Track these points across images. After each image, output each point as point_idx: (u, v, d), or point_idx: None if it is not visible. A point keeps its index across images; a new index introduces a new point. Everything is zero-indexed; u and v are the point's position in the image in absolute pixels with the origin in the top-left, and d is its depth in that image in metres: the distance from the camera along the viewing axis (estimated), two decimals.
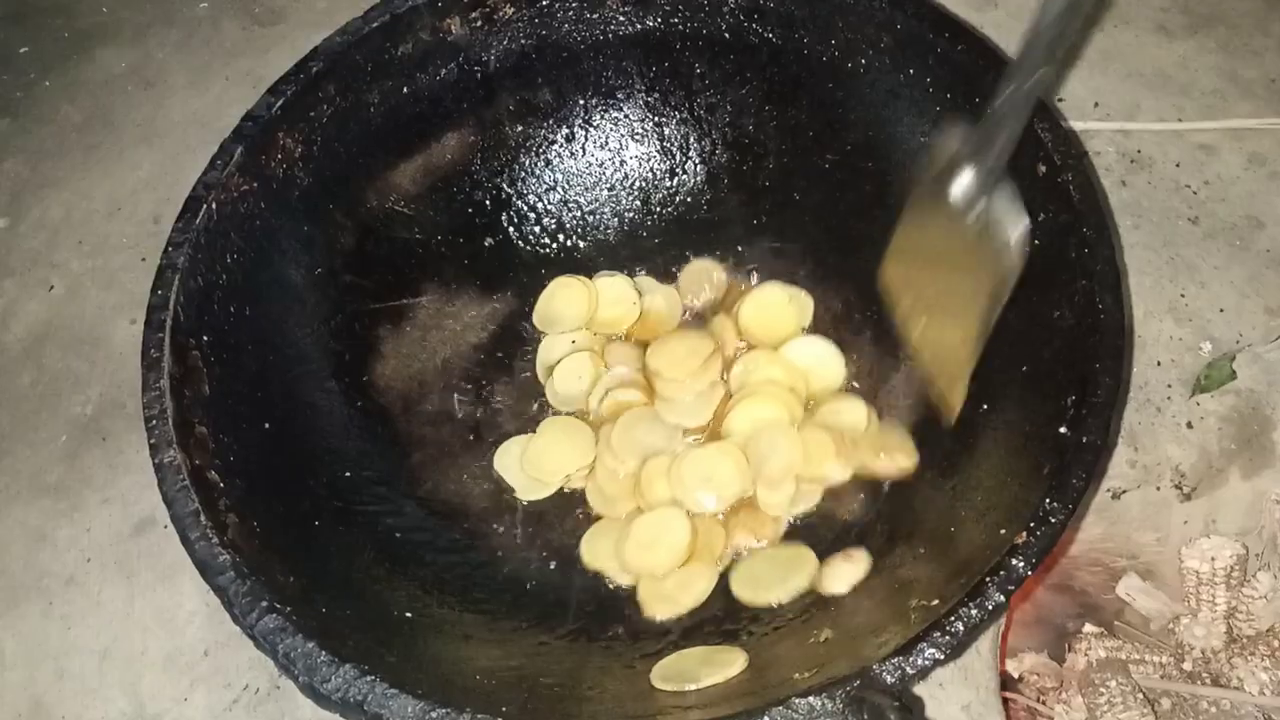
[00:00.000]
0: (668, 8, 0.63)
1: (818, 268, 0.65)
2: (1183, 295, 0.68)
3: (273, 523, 0.47)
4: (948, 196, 0.47)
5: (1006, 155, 0.46)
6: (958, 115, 0.56)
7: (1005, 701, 0.57)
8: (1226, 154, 0.75)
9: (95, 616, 0.62)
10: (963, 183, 0.47)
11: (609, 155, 0.68)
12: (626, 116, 0.67)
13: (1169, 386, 0.65)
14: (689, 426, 0.60)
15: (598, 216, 0.69)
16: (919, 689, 0.55)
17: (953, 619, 0.40)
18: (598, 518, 0.59)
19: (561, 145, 0.67)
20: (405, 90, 0.61)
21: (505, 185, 0.67)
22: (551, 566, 0.57)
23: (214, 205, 0.52)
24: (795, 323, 0.63)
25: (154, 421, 0.46)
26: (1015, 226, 0.46)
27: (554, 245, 0.68)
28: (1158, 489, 0.63)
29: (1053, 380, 0.48)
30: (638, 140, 0.68)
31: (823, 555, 0.55)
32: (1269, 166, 0.74)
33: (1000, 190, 0.47)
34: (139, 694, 0.59)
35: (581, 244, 0.68)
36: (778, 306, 0.64)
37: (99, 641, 0.61)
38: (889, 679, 0.39)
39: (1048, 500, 0.43)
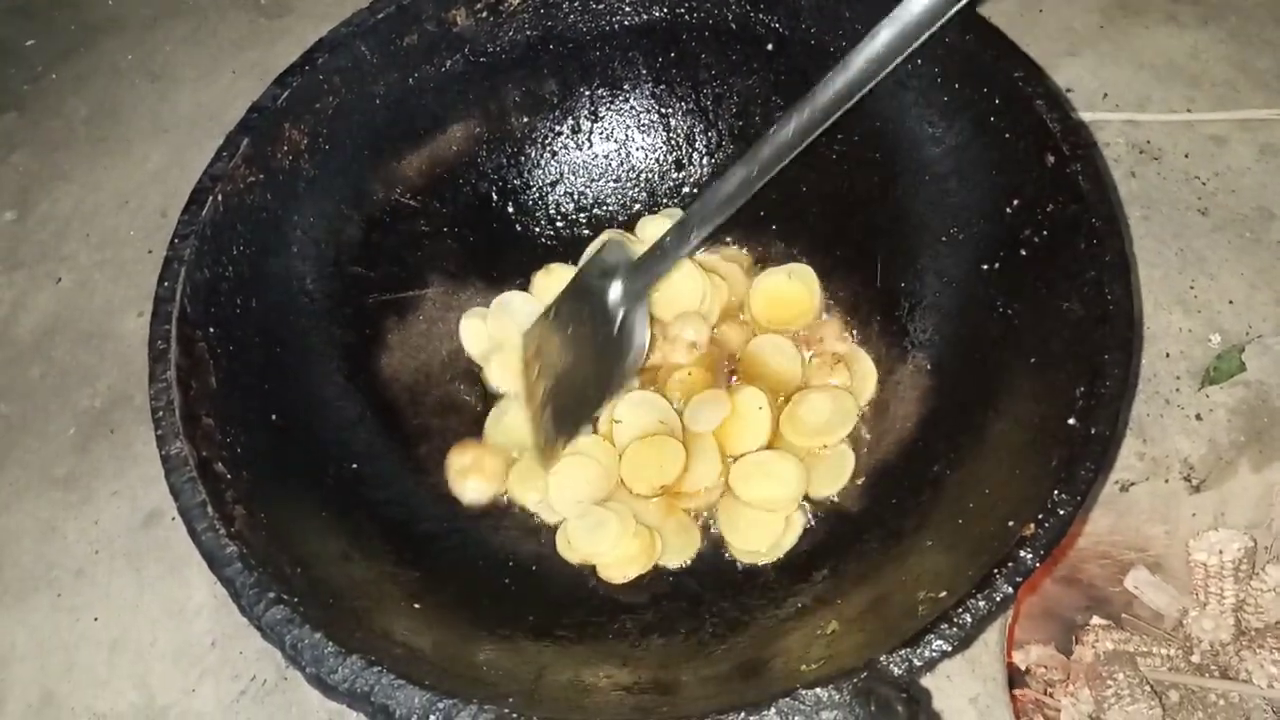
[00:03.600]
0: None
1: (825, 258, 0.65)
2: (1192, 287, 0.68)
3: (280, 514, 0.47)
4: (605, 295, 0.57)
5: (648, 287, 0.57)
6: (964, 107, 0.56)
7: (1013, 695, 0.56)
8: (1237, 145, 0.74)
9: (104, 608, 0.62)
10: (615, 291, 0.57)
11: (615, 147, 0.68)
12: (632, 108, 0.67)
13: (1178, 378, 0.64)
14: None
15: (604, 208, 0.69)
16: (926, 680, 0.55)
17: (960, 611, 0.40)
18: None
19: (567, 137, 0.67)
20: (411, 82, 0.61)
21: (511, 177, 0.67)
22: (557, 557, 0.57)
23: (220, 197, 0.52)
24: (808, 298, 0.64)
25: (161, 413, 0.46)
26: (639, 339, 0.57)
27: (560, 237, 0.68)
28: (1166, 481, 0.63)
29: (1061, 372, 0.48)
30: (644, 131, 0.68)
31: (832, 552, 0.55)
32: None
33: (640, 307, 0.57)
34: (148, 685, 0.59)
35: (587, 235, 0.68)
36: (782, 290, 0.64)
37: (108, 633, 0.61)
38: (896, 670, 0.39)
39: (1056, 492, 0.42)
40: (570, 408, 0.59)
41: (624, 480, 0.58)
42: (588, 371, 0.58)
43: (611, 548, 0.56)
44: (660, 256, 0.55)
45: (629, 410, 0.60)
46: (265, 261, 0.55)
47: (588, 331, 0.58)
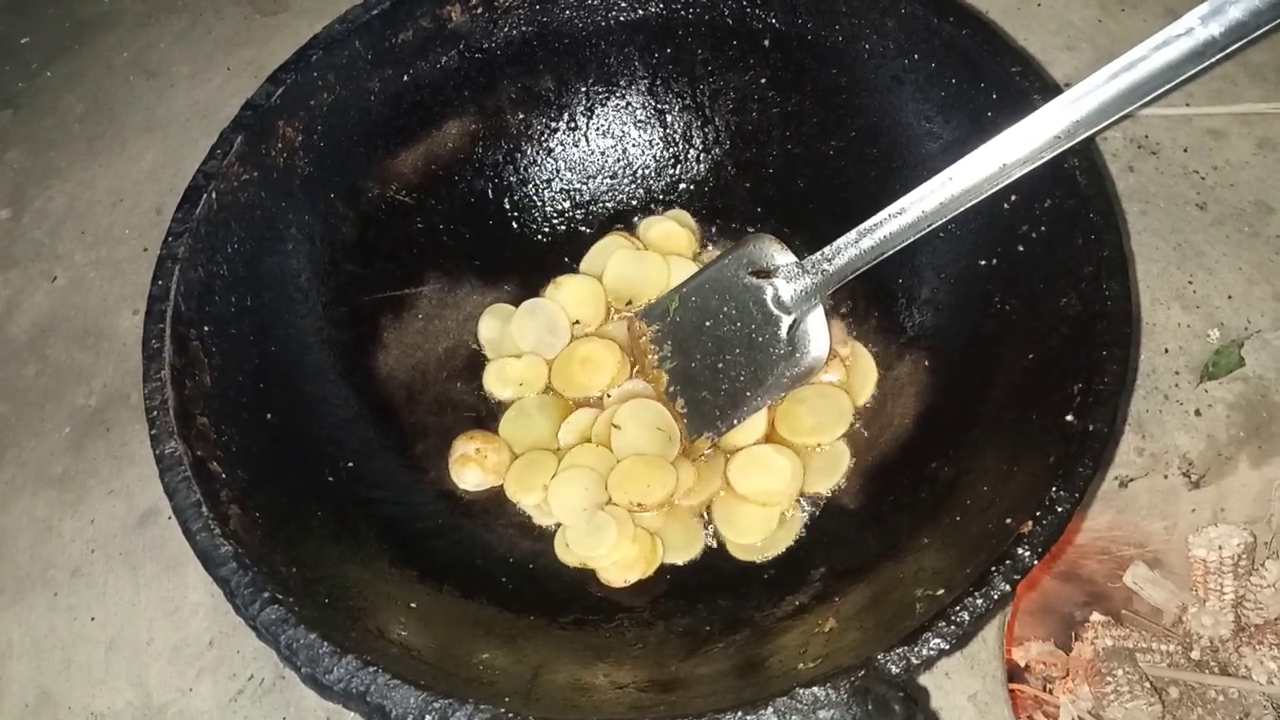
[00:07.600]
0: None
1: None
2: (1190, 282, 0.67)
3: (275, 514, 0.47)
4: (762, 294, 0.57)
5: (823, 292, 0.56)
6: (961, 102, 0.56)
7: (1012, 691, 0.56)
8: (1235, 139, 0.74)
9: (101, 607, 0.62)
10: (783, 292, 0.56)
11: (611, 143, 0.68)
12: (629, 104, 0.67)
13: (1177, 374, 0.64)
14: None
15: (600, 205, 0.68)
16: (925, 679, 0.55)
17: (959, 609, 0.40)
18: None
19: (563, 133, 0.67)
20: (406, 78, 0.61)
21: (507, 174, 0.66)
22: (555, 555, 0.57)
23: (214, 195, 0.52)
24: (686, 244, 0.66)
25: (155, 413, 0.46)
26: (820, 347, 0.57)
27: (556, 234, 0.68)
28: (1165, 477, 0.63)
29: (1059, 368, 0.47)
30: (640, 128, 0.67)
31: (830, 550, 0.55)
32: (1279, 152, 0.73)
33: (815, 310, 0.56)
34: (145, 684, 0.59)
35: (584, 232, 0.68)
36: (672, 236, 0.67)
37: (105, 632, 0.61)
38: (894, 669, 0.39)
39: (1054, 489, 0.42)
40: (717, 404, 0.59)
41: (608, 485, 0.58)
42: (737, 371, 0.58)
43: (610, 552, 0.55)
44: (833, 258, 0.54)
45: (628, 416, 0.60)
46: (260, 259, 0.55)
47: (737, 329, 0.58)
